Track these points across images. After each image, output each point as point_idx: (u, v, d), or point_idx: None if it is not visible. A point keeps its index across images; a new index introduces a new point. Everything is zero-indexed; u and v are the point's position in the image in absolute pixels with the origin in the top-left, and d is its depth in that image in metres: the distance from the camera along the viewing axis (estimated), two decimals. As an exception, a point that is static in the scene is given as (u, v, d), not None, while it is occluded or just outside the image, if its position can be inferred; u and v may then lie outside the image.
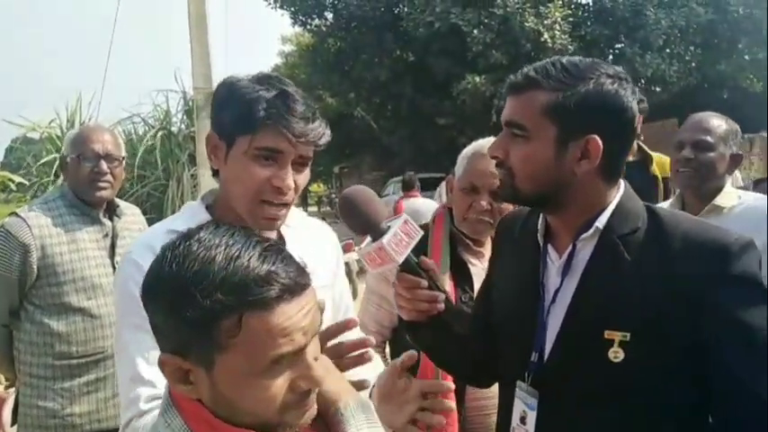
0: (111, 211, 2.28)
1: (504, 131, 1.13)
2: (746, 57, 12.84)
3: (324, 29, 16.26)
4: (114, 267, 2.20)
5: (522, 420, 1.15)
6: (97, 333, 2.12)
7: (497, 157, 1.14)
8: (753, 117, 12.19)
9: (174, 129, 8.71)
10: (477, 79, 12.54)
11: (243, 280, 0.71)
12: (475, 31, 12.64)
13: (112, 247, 2.23)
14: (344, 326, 1.08)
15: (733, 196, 1.96)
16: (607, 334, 1.03)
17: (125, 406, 1.13)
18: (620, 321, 1.03)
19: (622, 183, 1.15)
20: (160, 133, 8.27)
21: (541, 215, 1.20)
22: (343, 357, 1.06)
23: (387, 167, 19.99)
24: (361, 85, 16.27)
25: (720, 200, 1.93)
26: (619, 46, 13.49)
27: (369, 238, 1.12)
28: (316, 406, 0.82)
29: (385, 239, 1.07)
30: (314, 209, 29.04)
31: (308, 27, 16.91)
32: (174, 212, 7.74)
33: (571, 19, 12.90)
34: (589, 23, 13.11)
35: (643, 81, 13.70)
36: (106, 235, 2.23)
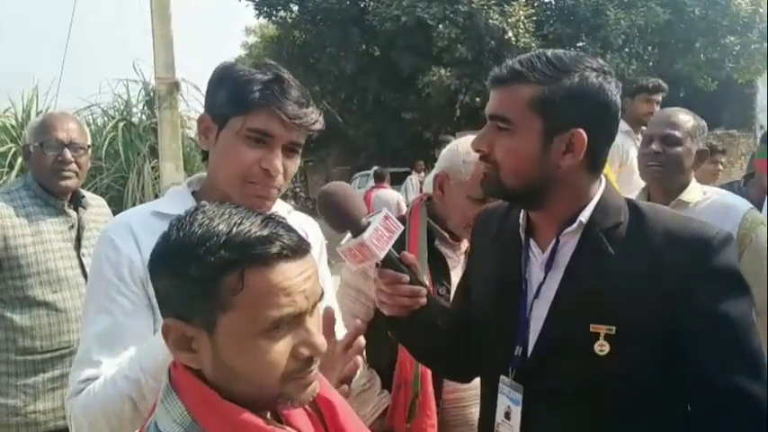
0: (77, 201, 2.21)
1: (489, 125, 1.12)
2: (702, 57, 13.21)
3: (289, 21, 16.08)
4: (80, 259, 2.14)
5: (507, 416, 1.14)
6: (62, 327, 2.06)
7: (482, 151, 1.13)
8: (707, 116, 12.61)
9: (134, 119, 8.51)
10: (443, 72, 12.60)
11: (245, 238, 0.73)
12: (440, 26, 12.70)
13: (78, 239, 2.16)
14: (326, 315, 1.06)
15: (698, 192, 2.00)
16: (593, 327, 1.04)
17: (69, 383, 1.15)
18: (606, 315, 1.03)
19: (603, 177, 1.16)
20: (120, 124, 8.07)
21: (522, 210, 1.19)
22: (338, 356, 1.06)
23: (352, 162, 19.95)
24: (326, 78, 16.16)
25: (686, 195, 1.98)
26: (580, 45, 13.72)
27: (348, 235, 1.10)
28: (318, 383, 0.82)
29: (366, 235, 1.06)
30: (277, 203, 28.70)
31: (273, 19, 16.70)
32: (134, 205, 7.59)
33: (534, 17, 13.08)
34: (552, 22, 13.31)
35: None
36: (72, 226, 2.16)
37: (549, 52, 1.10)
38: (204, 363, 0.76)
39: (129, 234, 1.17)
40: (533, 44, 12.82)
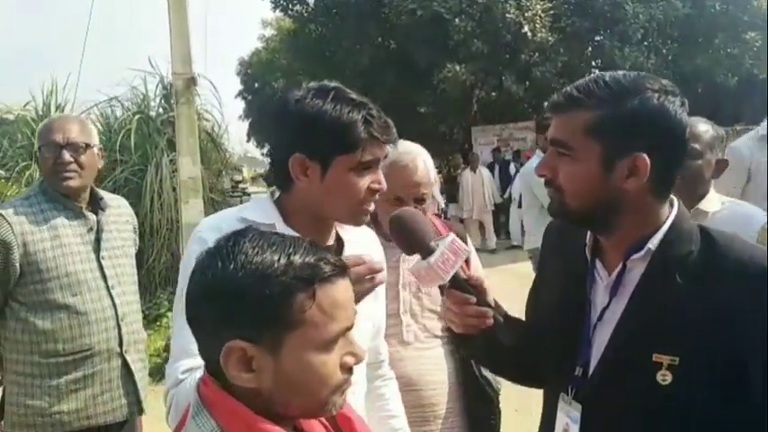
0: (95, 203, 2.25)
1: (551, 150, 1.15)
2: (722, 52, 13.03)
3: (305, 14, 16.06)
4: (99, 262, 2.18)
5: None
6: (84, 330, 2.11)
7: (546, 176, 1.15)
8: (727, 111, 12.39)
9: (152, 113, 8.58)
10: (458, 68, 12.54)
11: (311, 259, 0.81)
12: (456, 20, 12.62)
13: (97, 241, 2.21)
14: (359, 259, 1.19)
15: (716, 201, 2.00)
16: (655, 357, 1.03)
17: (167, 375, 1.24)
18: (670, 345, 1.03)
19: (676, 201, 1.15)
20: (137, 117, 8.15)
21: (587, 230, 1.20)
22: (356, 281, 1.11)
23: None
24: (342, 71, 16.13)
25: (704, 205, 1.97)
26: (598, 38, 13.58)
27: (418, 256, 1.19)
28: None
29: (432, 259, 1.14)
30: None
31: (289, 12, 16.68)
32: (152, 199, 7.61)
33: (552, 11, 12.94)
34: (569, 16, 13.16)
35: (621, 74, 13.83)
36: (90, 229, 2.20)
37: (608, 75, 1.10)
38: (264, 381, 0.80)
39: (220, 236, 1.25)
40: (550, 38, 12.71)
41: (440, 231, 1.70)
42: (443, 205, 10.35)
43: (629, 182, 1.07)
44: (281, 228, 1.27)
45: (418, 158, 1.82)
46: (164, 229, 7.70)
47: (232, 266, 0.79)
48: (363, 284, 1.17)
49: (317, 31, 15.91)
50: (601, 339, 1.13)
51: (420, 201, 1.79)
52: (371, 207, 1.30)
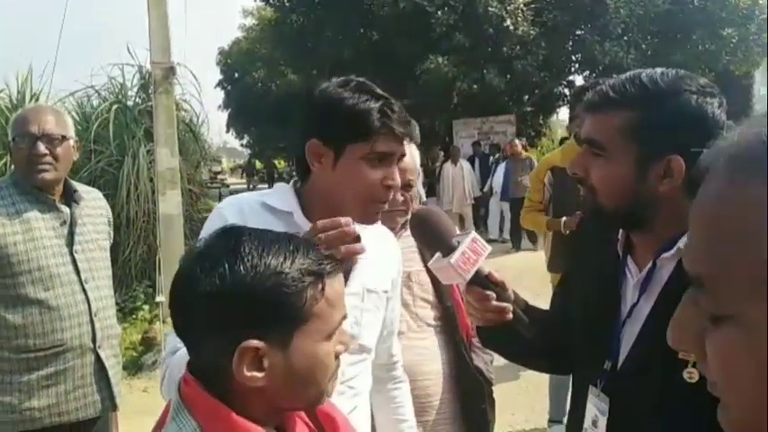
0: (69, 196, 2.21)
1: (584, 149, 1.14)
2: (700, 47, 13.18)
3: (287, 4, 15.91)
4: (73, 256, 2.14)
5: (594, 424, 1.18)
6: (56, 325, 2.07)
7: (578, 175, 1.15)
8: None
9: (129, 103, 8.45)
10: (440, 60, 12.53)
11: (312, 255, 0.83)
12: (439, 13, 12.60)
13: (71, 234, 2.16)
14: (336, 222, 1.15)
15: None
16: (682, 354, 1.01)
17: (167, 343, 1.25)
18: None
19: None
20: (115, 107, 8.01)
21: (619, 229, 1.21)
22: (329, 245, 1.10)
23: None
24: (324, 62, 16.04)
25: None
26: (579, 33, 13.65)
27: (438, 254, 1.21)
28: None
29: (453, 259, 1.15)
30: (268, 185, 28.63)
31: (271, 2, 16.52)
32: (128, 190, 7.48)
33: (533, 5, 12.98)
34: (551, 10, 13.20)
35: (601, 68, 13.94)
36: (64, 222, 2.16)
37: (644, 74, 1.08)
38: (273, 378, 0.80)
39: (240, 215, 1.27)
40: (532, 32, 12.75)
41: None
42: (424, 198, 10.38)
43: (663, 183, 1.06)
44: (299, 217, 1.28)
45: (406, 145, 1.83)
46: (140, 221, 7.61)
47: (242, 268, 0.78)
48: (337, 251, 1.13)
49: (299, 22, 15.78)
50: (629, 336, 1.15)
51: (407, 187, 1.78)
52: (384, 207, 1.29)
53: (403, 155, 1.30)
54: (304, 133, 1.27)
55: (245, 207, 1.29)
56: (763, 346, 0.44)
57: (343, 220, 1.16)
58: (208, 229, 1.24)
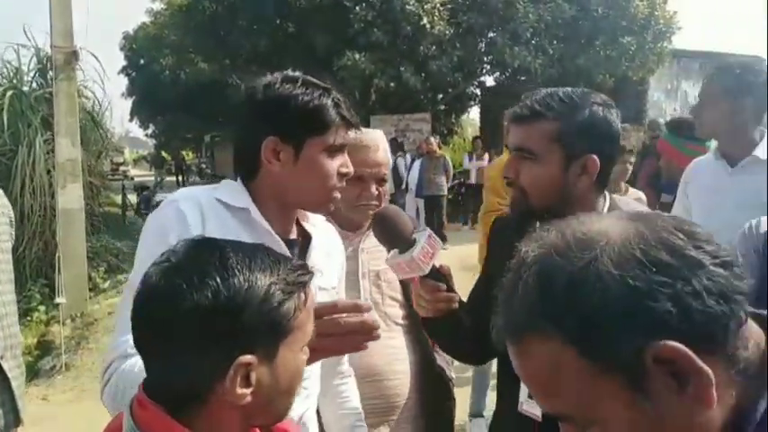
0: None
1: (514, 155, 1.33)
2: (601, 54, 13.95)
3: (199, -11, 15.31)
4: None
5: (531, 396, 1.30)
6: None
7: (509, 178, 1.34)
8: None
9: (25, 88, 7.82)
10: (358, 57, 12.52)
11: (290, 267, 0.83)
12: (357, 8, 12.58)
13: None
14: (358, 307, 1.12)
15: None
16: None
17: (110, 349, 1.18)
18: None
19: (608, 194, 1.36)
20: (9, 92, 7.39)
21: (537, 222, 1.35)
22: (346, 335, 1.10)
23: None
24: (237, 52, 15.59)
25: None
26: (492, 35, 14.07)
27: (395, 250, 1.29)
28: None
29: (415, 253, 1.25)
30: (177, 178, 27.50)
31: (181, -14, 15.85)
32: (23, 182, 6.95)
33: (449, 5, 13.24)
34: (465, 11, 13.51)
35: (510, 70, 14.46)
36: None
37: (561, 91, 1.31)
38: (259, 393, 0.79)
39: (198, 209, 1.23)
40: (447, 32, 13.00)
41: None
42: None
43: (581, 179, 1.29)
44: (255, 213, 1.27)
45: (379, 140, 1.84)
46: (36, 216, 7.11)
47: (234, 282, 0.76)
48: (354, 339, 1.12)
49: (211, 9, 15.22)
50: None
51: (381, 181, 1.80)
52: (338, 195, 1.33)
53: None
54: (257, 131, 1.26)
55: (202, 200, 1.26)
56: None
57: (364, 305, 1.13)
58: (162, 225, 1.22)
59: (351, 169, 1.32)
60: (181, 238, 1.04)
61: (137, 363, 1.08)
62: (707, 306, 0.58)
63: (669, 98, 16.47)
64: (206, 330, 0.75)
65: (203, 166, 29.46)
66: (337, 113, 1.26)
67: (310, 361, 1.06)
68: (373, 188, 1.77)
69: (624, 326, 0.58)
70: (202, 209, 1.24)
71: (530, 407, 1.33)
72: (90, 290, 7.00)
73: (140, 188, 15.31)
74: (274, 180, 1.28)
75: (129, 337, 1.08)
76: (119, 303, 1.22)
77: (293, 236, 1.36)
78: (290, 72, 1.31)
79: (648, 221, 0.64)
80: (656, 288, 0.58)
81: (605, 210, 1.33)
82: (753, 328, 0.64)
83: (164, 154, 31.99)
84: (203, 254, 0.79)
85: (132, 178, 20.89)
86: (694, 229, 0.63)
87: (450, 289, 1.35)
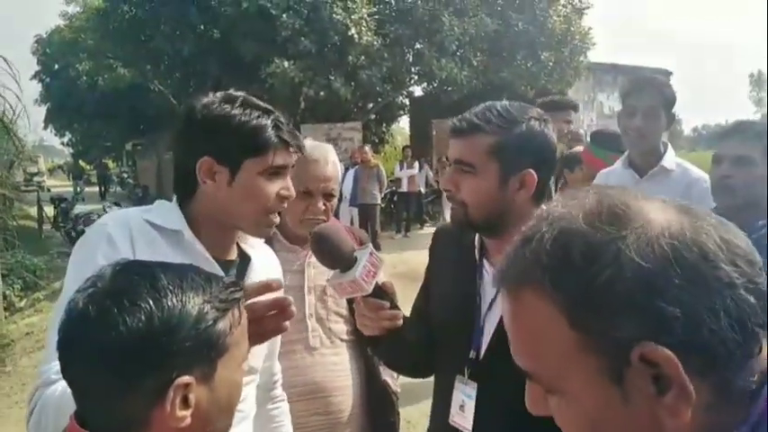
0: None
1: (453, 168, 1.33)
2: (523, 67, 14.52)
3: (117, -8, 14.74)
4: None
5: (461, 408, 1.31)
6: None
7: (449, 191, 1.33)
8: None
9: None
10: (286, 64, 12.44)
11: (221, 286, 0.83)
12: (284, 16, 12.50)
13: None
14: (267, 286, 1.10)
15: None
16: None
17: (39, 373, 1.14)
18: None
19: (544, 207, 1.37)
20: None
21: (477, 234, 1.38)
22: (263, 319, 1.07)
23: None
24: (159, 57, 15.12)
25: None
26: (418, 46, 14.34)
27: (336, 270, 1.24)
28: None
29: (357, 273, 1.20)
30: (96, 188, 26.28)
31: (99, -12, 15.21)
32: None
33: (377, 16, 13.39)
34: (392, 22, 13.71)
35: (437, 81, 14.77)
36: None
37: (499, 105, 1.30)
38: (198, 414, 0.78)
39: (128, 234, 1.19)
40: (375, 42, 13.15)
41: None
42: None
43: (519, 193, 1.29)
44: (188, 235, 1.24)
45: (329, 154, 1.82)
46: (-58, 230, 6.61)
47: (167, 304, 0.75)
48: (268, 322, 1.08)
49: (131, 13, 14.70)
50: (490, 326, 1.31)
51: (329, 196, 1.78)
52: (277, 219, 1.30)
53: (291, 166, 1.31)
54: (193, 151, 1.23)
55: (132, 224, 1.23)
56: (583, 412, 0.61)
57: (273, 283, 1.11)
58: (88, 251, 1.18)
59: (291, 192, 1.28)
60: (110, 261, 1.03)
61: (58, 387, 1.06)
62: (720, 327, 0.55)
63: (586, 109, 17.32)
64: (142, 355, 0.73)
65: (125, 175, 28.28)
66: (276, 135, 1.23)
67: None
68: (320, 203, 1.76)
69: (625, 314, 0.55)
70: (131, 232, 1.21)
71: (460, 419, 1.33)
72: (5, 309, 6.58)
73: (58, 200, 14.47)
74: (210, 201, 1.26)
75: (55, 364, 1.04)
76: (48, 329, 1.16)
77: (232, 257, 1.34)
78: (231, 91, 1.28)
79: (695, 219, 0.59)
80: (673, 291, 0.54)
81: None
82: (763, 360, 0.59)
83: (82, 163, 30.44)
84: (132, 277, 0.77)
85: (48, 189, 19.77)
86: (738, 242, 0.58)
87: (394, 306, 1.32)
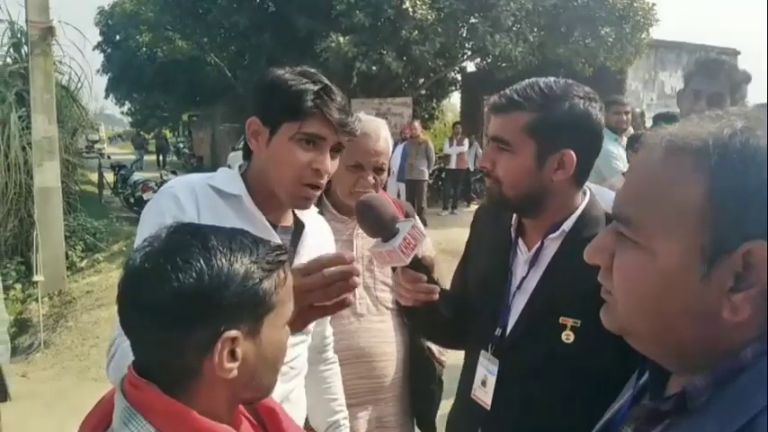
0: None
1: (492, 145, 1.31)
2: (581, 43, 14.04)
3: (177, -34, 15.01)
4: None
5: (483, 383, 1.34)
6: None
7: (486, 168, 1.31)
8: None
9: (-1, 63, 7.65)
10: (341, 39, 12.43)
11: (270, 246, 0.87)
12: (339, -11, 12.45)
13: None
14: (341, 258, 1.11)
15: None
16: (562, 320, 1.23)
17: (114, 325, 1.16)
18: (574, 310, 1.21)
19: (588, 190, 1.34)
20: (-18, 67, 7.23)
21: (513, 213, 1.38)
22: (330, 284, 1.10)
23: (241, 119, 19.23)
24: (216, 30, 15.36)
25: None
26: (473, 21, 14.05)
27: (378, 239, 1.26)
28: None
29: (396, 243, 1.22)
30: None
31: (160, -38, 15.52)
32: (-2, 159, 6.75)
33: (432, -10, 13.18)
34: (448, -4, 13.47)
35: (491, 57, 14.47)
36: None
37: (542, 82, 1.27)
38: (245, 368, 0.82)
39: (193, 197, 1.25)
40: (429, 16, 12.96)
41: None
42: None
43: (557, 174, 1.26)
44: (247, 200, 1.29)
45: (381, 129, 1.85)
46: (11, 193, 6.99)
47: (217, 263, 0.80)
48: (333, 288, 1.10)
49: (191, -14, 14.94)
50: (518, 304, 1.33)
51: (379, 170, 1.82)
52: (315, 193, 1.30)
53: (342, 145, 1.31)
54: (249, 114, 1.29)
55: (197, 188, 1.28)
56: (658, 269, 0.64)
57: (347, 255, 1.13)
58: (159, 212, 1.23)
59: (325, 166, 1.27)
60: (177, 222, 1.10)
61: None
62: None
63: (646, 88, 16.68)
64: (192, 309, 0.77)
65: (181, 145, 29.03)
66: (315, 102, 1.23)
67: (305, 321, 1.12)
68: (370, 177, 1.80)
69: (759, 214, 0.58)
70: (197, 196, 1.27)
71: (481, 394, 1.35)
72: (67, 268, 6.94)
73: (117, 167, 15.05)
74: (256, 164, 1.31)
75: None
76: None
77: (287, 223, 1.39)
78: (306, 68, 1.30)
79: None
80: None
81: (583, 206, 1.30)
82: None
83: (142, 133, 31.40)
84: (185, 237, 0.82)
85: (108, 156, 20.50)
86: None
87: (432, 280, 1.33)
